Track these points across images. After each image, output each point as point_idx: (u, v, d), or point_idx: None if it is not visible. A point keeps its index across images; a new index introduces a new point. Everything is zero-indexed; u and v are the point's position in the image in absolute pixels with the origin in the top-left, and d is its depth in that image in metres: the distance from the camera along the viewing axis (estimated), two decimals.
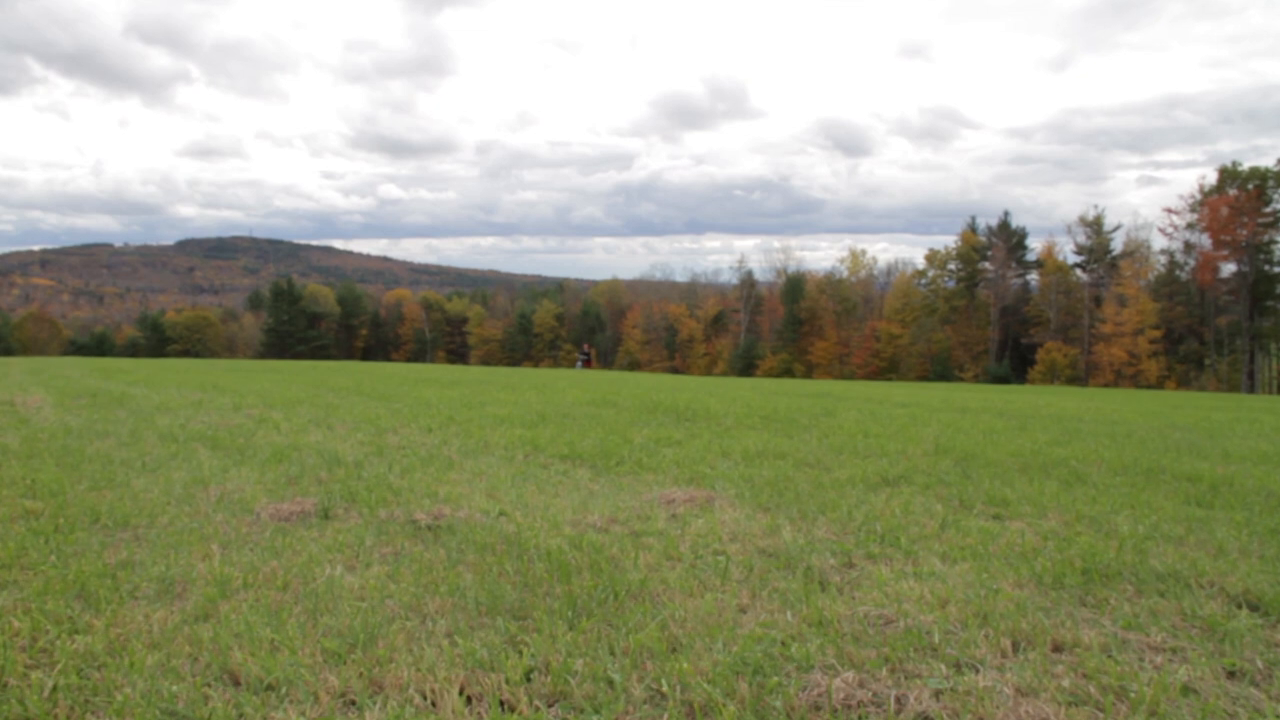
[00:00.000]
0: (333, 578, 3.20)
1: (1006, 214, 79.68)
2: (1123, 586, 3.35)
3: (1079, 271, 74.71)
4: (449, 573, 3.27)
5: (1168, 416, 12.22)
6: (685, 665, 2.45)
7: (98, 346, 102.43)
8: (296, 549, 3.59)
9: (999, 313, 75.38)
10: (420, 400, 10.18)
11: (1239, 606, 3.19)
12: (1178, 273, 66.23)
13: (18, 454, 5.96)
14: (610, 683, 2.36)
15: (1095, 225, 72.93)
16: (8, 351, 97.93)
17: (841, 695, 2.34)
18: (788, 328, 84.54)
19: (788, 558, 3.59)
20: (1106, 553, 3.72)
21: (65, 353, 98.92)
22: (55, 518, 4.03)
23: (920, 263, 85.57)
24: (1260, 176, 59.84)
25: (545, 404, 10.27)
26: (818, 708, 2.29)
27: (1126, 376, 64.12)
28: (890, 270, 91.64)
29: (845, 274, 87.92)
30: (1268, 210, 60.22)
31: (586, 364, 48.32)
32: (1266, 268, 61.07)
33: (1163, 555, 3.81)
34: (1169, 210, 65.61)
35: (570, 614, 2.85)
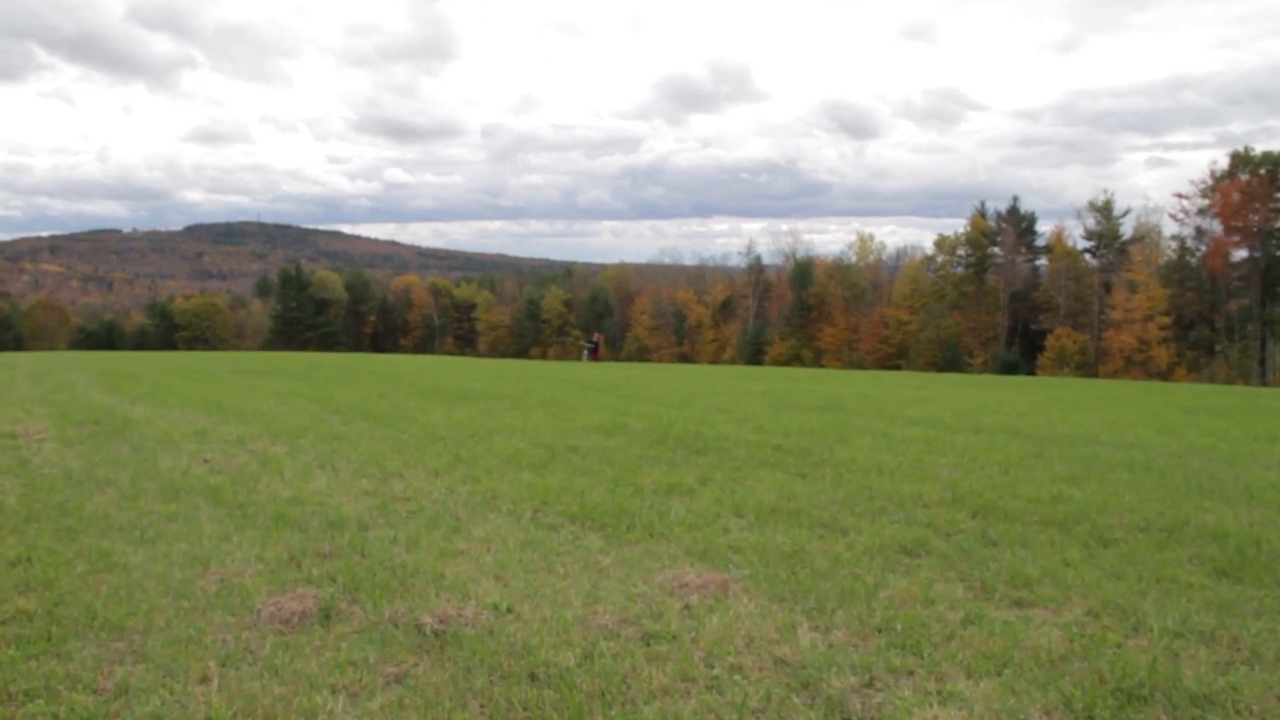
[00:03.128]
0: (334, 715, 3.07)
1: (1015, 199, 79.24)
2: (1156, 714, 3.21)
3: (1088, 257, 74.29)
4: (455, 708, 3.14)
5: (1184, 433, 12.04)
6: None
7: (106, 335, 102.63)
8: (297, 668, 3.46)
9: (1008, 298, 75.06)
10: (427, 428, 10.05)
11: None
12: (1188, 258, 65.81)
13: (15, 515, 5.85)
14: None
15: (1105, 210, 72.49)
16: (17, 340, 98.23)
17: None
18: (796, 314, 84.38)
19: (806, 676, 3.45)
20: (1137, 665, 3.57)
21: (74, 341, 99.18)
22: (48, 620, 3.91)
23: (929, 247, 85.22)
24: (1273, 161, 59.39)
25: (553, 430, 10.15)
26: None
27: (1136, 363, 63.85)
28: (899, 255, 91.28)
29: (854, 259, 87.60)
30: None
31: (594, 353, 48.12)
32: (1279, 253, 60.63)
33: (1195, 661, 3.67)
34: (1180, 195, 65.22)
35: None
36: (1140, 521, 6.10)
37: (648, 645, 3.75)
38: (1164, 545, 5.52)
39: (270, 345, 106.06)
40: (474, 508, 6.21)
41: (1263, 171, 59.11)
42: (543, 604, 4.20)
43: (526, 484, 6.92)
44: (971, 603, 4.33)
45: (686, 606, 4.21)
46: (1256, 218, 59.52)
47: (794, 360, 78.05)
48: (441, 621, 3.90)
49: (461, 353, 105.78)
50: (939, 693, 3.36)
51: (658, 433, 9.98)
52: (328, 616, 3.99)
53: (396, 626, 3.88)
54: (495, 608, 4.12)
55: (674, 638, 3.82)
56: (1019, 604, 4.38)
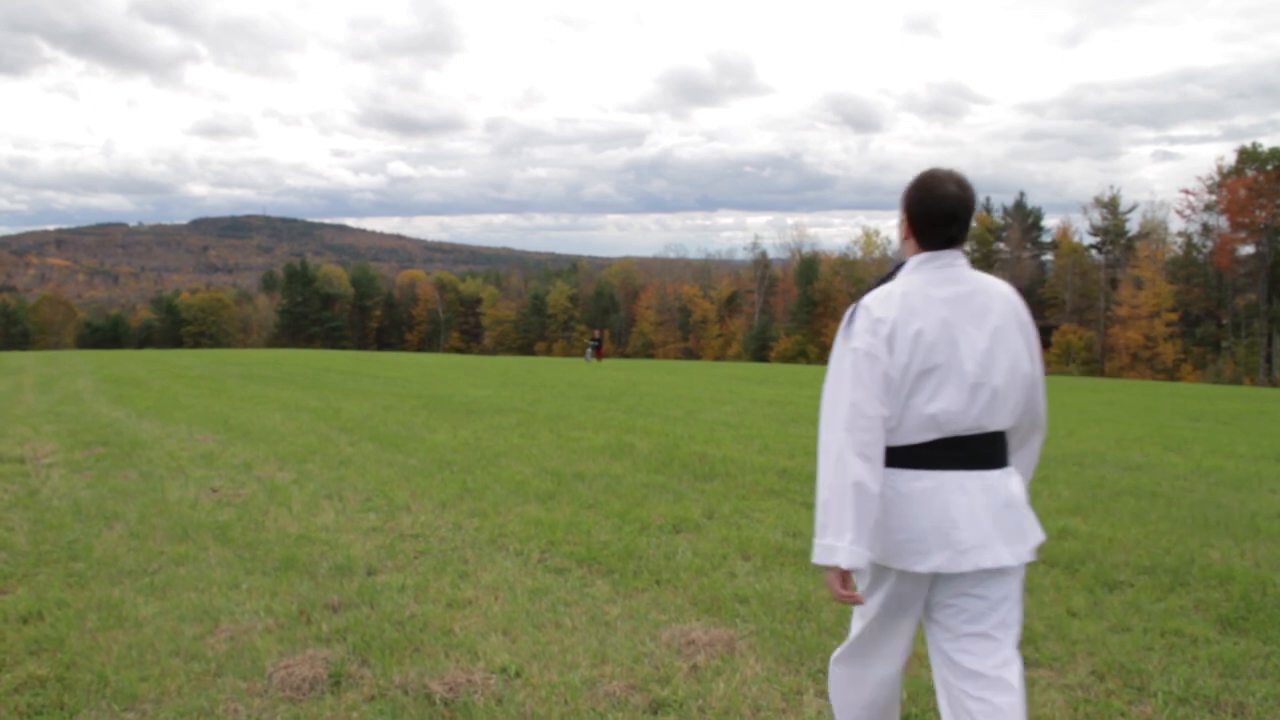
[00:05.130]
0: None
1: (1022, 194, 79.19)
2: None
3: (1094, 253, 74.15)
4: None
5: (1190, 450, 12.06)
6: None
7: (113, 330, 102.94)
8: None
9: None
10: (433, 451, 10.10)
11: None
12: (1195, 255, 65.66)
13: (26, 557, 5.90)
14: None
15: (1111, 206, 72.31)
16: (24, 335, 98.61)
17: None
18: (801, 309, 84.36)
19: None
20: None
21: (80, 337, 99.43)
22: (60, 687, 3.95)
23: None
24: None
25: (560, 452, 10.19)
26: None
27: (1143, 360, 63.74)
28: None
29: (859, 254, 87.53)
30: None
31: (598, 351, 48.12)
32: None
33: None
34: (1186, 192, 65.12)
35: None
36: (1146, 561, 6.11)
37: (655, 715, 3.77)
38: (1169, 590, 5.54)
39: (276, 340, 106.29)
40: (481, 547, 6.25)
41: (1270, 168, 58.94)
42: (550, 665, 4.22)
43: (534, 519, 6.95)
44: None
45: (694, 667, 4.24)
46: (1263, 214, 59.38)
47: (799, 356, 78.04)
48: (451, 689, 3.93)
49: (467, 348, 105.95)
50: None
51: (664, 455, 10.00)
52: (338, 683, 4.02)
53: (406, 694, 3.91)
54: (504, 671, 4.14)
55: (681, 705, 3.85)
56: (1025, 664, 4.39)
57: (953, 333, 2.64)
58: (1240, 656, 4.48)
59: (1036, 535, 2.74)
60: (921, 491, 2.63)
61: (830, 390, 2.68)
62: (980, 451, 2.68)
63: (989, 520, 2.64)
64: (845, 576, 2.59)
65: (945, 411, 2.62)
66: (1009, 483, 2.72)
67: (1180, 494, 8.70)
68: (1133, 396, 28.05)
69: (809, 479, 8.84)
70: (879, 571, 2.74)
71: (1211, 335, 64.13)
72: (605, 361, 47.65)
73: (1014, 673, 2.73)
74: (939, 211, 2.71)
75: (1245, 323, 62.27)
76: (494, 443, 10.81)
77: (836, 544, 2.54)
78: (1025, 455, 2.93)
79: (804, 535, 6.62)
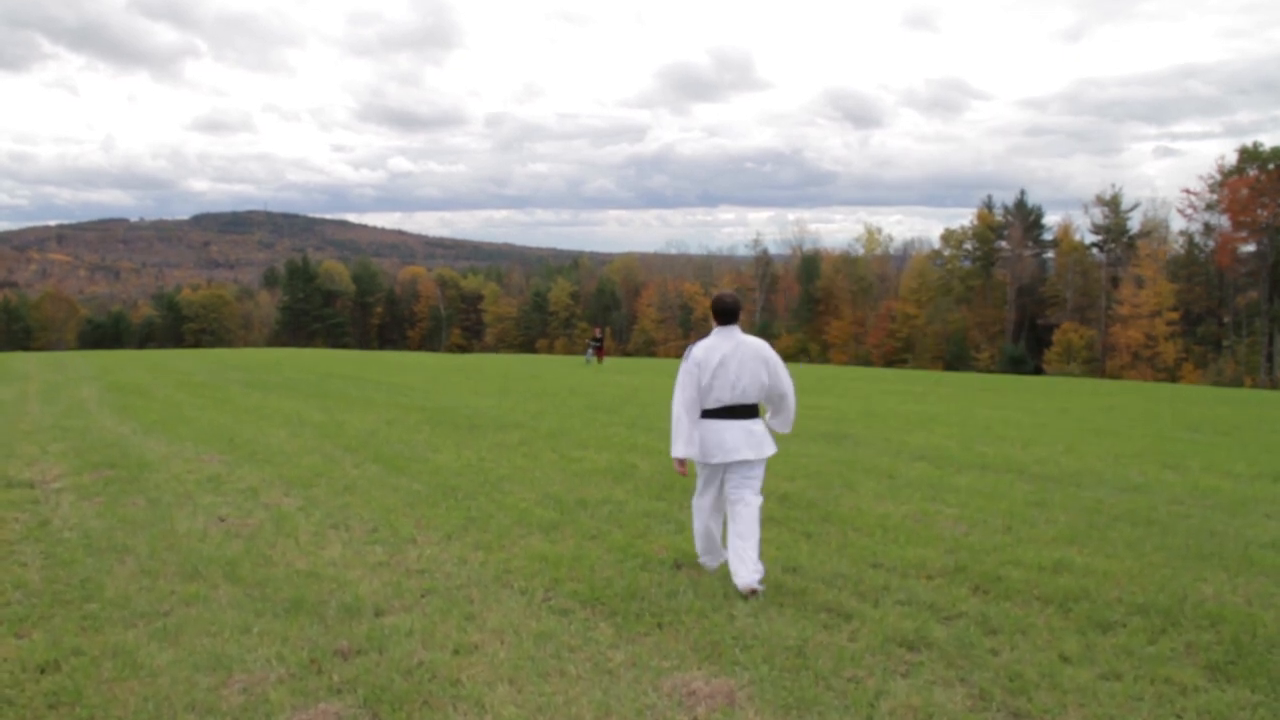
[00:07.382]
0: None
1: (1023, 192, 79.36)
2: None
3: (1096, 251, 74.16)
4: None
5: (1188, 467, 12.17)
6: None
7: (114, 327, 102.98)
8: None
9: (1015, 293, 74.97)
10: (438, 474, 10.21)
11: None
12: (1196, 254, 65.68)
13: (40, 597, 6.02)
14: None
15: (1112, 204, 72.30)
16: (26, 332, 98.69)
17: None
18: (803, 307, 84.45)
19: None
20: None
21: (82, 334, 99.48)
22: None
23: (936, 238, 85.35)
24: None
25: (563, 475, 10.30)
26: None
27: (1144, 359, 63.73)
28: (907, 247, 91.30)
29: (861, 252, 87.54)
30: None
31: (598, 351, 48.14)
32: None
33: None
34: (1188, 191, 65.18)
35: None
36: (1139, 598, 6.21)
37: None
38: (1161, 632, 5.64)
39: (277, 337, 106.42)
40: (486, 585, 6.35)
41: (1271, 167, 58.96)
42: (556, 719, 4.34)
43: (538, 554, 7.06)
44: (969, 716, 4.46)
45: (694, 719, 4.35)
46: (1265, 213, 59.42)
47: (800, 354, 78.13)
48: None
49: (468, 345, 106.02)
50: None
51: (665, 477, 10.12)
52: None
53: None
54: None
55: None
56: (1016, 716, 4.50)
57: (728, 363, 6.18)
58: (1228, 707, 4.58)
59: (770, 449, 6.34)
60: (717, 428, 6.21)
61: (677, 385, 6.23)
62: (741, 411, 6.24)
63: (743, 440, 6.20)
64: (683, 463, 6.30)
65: (722, 396, 6.18)
66: (754, 424, 6.28)
67: (1176, 520, 8.81)
68: (1133, 400, 28.15)
69: (810, 504, 8.96)
70: (704, 464, 6.32)
71: (1213, 334, 64.21)
72: (606, 362, 47.69)
73: (755, 499, 6.28)
74: (721, 310, 6.30)
75: (1246, 322, 62.35)
76: (497, 464, 10.92)
77: (677, 448, 6.19)
78: (783, 408, 6.51)
79: (803, 571, 6.73)
